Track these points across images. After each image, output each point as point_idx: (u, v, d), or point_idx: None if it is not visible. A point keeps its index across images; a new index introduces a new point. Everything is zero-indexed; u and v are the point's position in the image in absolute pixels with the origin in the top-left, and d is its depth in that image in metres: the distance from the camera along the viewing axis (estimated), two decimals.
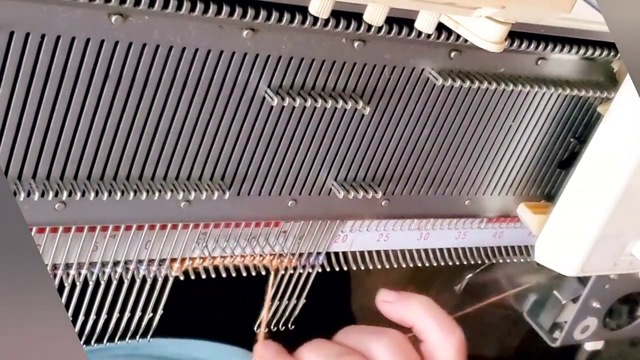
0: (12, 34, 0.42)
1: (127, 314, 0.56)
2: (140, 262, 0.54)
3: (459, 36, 0.49)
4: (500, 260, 0.68)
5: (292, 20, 0.46)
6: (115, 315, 0.55)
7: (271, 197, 0.54)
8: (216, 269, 0.57)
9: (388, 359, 0.54)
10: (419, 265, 0.64)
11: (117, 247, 0.53)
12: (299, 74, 0.50)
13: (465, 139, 0.58)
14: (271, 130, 0.52)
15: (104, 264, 0.53)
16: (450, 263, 0.65)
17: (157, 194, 0.50)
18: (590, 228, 0.57)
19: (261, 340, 0.56)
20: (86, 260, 0.52)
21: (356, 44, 0.50)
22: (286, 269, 0.59)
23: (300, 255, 0.59)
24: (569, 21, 0.53)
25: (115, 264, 0.53)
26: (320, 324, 0.58)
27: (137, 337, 0.57)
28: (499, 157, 0.61)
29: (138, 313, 0.56)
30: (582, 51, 0.55)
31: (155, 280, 0.55)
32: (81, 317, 0.54)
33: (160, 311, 0.57)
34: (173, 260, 0.55)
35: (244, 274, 0.57)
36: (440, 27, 0.49)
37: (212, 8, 0.44)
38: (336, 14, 0.47)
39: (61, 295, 0.52)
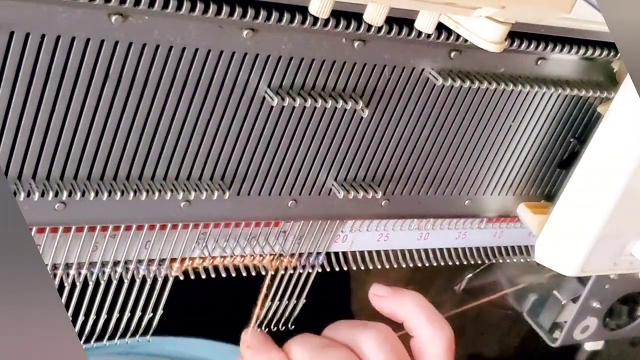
0: (12, 34, 0.42)
1: (127, 314, 0.56)
2: (140, 262, 0.54)
3: (459, 36, 0.49)
4: (500, 260, 0.68)
5: (292, 20, 0.46)
6: (115, 315, 0.55)
7: (271, 197, 0.54)
8: (216, 269, 0.57)
9: (375, 351, 0.54)
10: (419, 265, 0.64)
11: (117, 247, 0.53)
12: (299, 74, 0.50)
13: (465, 139, 0.58)
14: (271, 130, 0.52)
15: (104, 264, 0.53)
16: (450, 263, 0.65)
17: (157, 194, 0.50)
18: (590, 228, 0.57)
19: (249, 329, 0.56)
20: (86, 260, 0.52)
21: (356, 44, 0.50)
22: (286, 269, 0.59)
23: (300, 255, 0.59)
24: (569, 21, 0.53)
25: (115, 264, 0.53)
26: (320, 324, 0.58)
27: (137, 336, 0.57)
28: (499, 157, 0.61)
29: (138, 313, 0.56)
30: (582, 51, 0.55)
31: (155, 280, 0.55)
32: (81, 317, 0.54)
33: (160, 311, 0.57)
34: (173, 260, 0.55)
35: (244, 274, 0.57)
36: (440, 27, 0.49)
37: (212, 8, 0.44)
38: (336, 14, 0.47)
39: (61, 295, 0.52)
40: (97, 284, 0.53)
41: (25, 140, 0.45)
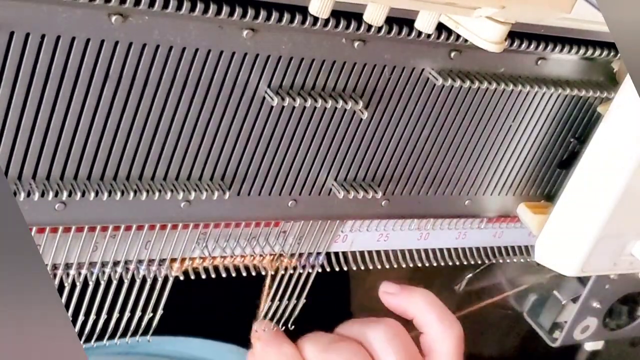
0: (12, 34, 0.42)
1: (127, 314, 0.56)
2: (140, 262, 0.54)
3: (459, 36, 0.49)
4: (500, 260, 0.68)
5: (292, 20, 0.46)
6: (115, 315, 0.55)
7: (271, 197, 0.54)
8: (216, 269, 0.57)
9: (384, 346, 0.55)
10: (419, 265, 0.64)
11: (117, 247, 0.53)
12: (299, 74, 0.50)
13: (465, 139, 0.58)
14: (271, 130, 0.52)
15: (104, 264, 0.53)
16: (450, 263, 0.65)
17: (157, 194, 0.50)
18: (590, 228, 0.57)
19: (259, 322, 0.56)
20: (86, 260, 0.52)
21: (356, 44, 0.50)
22: (286, 269, 0.59)
23: (300, 255, 0.59)
24: (569, 21, 0.53)
25: (115, 264, 0.53)
26: (320, 324, 0.58)
27: (137, 336, 0.57)
28: (499, 157, 0.61)
29: (138, 313, 0.56)
30: (582, 51, 0.55)
31: (155, 280, 0.55)
32: (81, 317, 0.54)
33: (160, 311, 0.57)
34: (173, 260, 0.55)
35: (244, 274, 0.57)
36: (440, 27, 0.49)
37: (212, 8, 0.44)
38: (336, 14, 0.47)
39: (61, 295, 0.52)
40: (97, 284, 0.53)
41: (25, 140, 0.45)
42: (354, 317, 0.83)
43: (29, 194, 0.47)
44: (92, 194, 0.48)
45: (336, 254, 0.61)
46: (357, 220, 0.60)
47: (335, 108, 0.52)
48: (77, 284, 0.53)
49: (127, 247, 0.53)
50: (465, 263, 0.66)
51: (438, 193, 0.60)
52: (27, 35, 0.42)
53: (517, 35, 0.53)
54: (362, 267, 0.62)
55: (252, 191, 0.54)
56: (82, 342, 0.55)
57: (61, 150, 0.47)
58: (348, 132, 0.54)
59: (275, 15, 0.45)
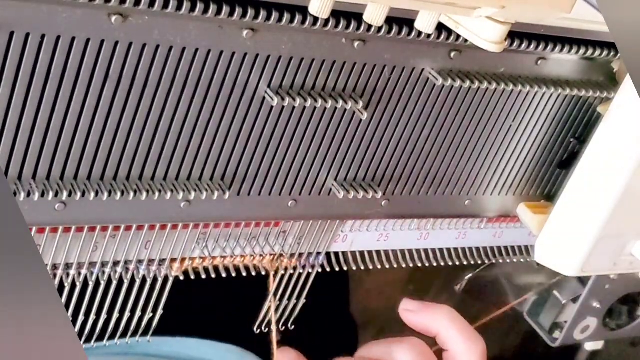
0: (12, 34, 0.42)
1: (127, 314, 0.56)
2: (140, 262, 0.54)
3: (459, 36, 0.49)
4: (500, 260, 0.68)
5: (292, 20, 0.46)
6: (115, 315, 0.55)
7: (271, 197, 0.54)
8: (216, 269, 0.57)
9: None
10: (419, 265, 0.64)
11: (117, 247, 0.53)
12: (299, 74, 0.50)
13: (465, 139, 0.58)
14: (271, 130, 0.52)
15: (104, 264, 0.53)
16: (450, 263, 0.65)
17: (157, 194, 0.50)
18: (590, 228, 0.57)
19: (280, 348, 0.56)
20: (86, 260, 0.52)
21: (356, 44, 0.50)
22: (286, 269, 0.59)
23: (300, 255, 0.59)
24: (569, 21, 0.53)
25: (115, 264, 0.53)
26: (320, 324, 0.58)
27: (137, 336, 0.57)
28: (499, 157, 0.61)
29: (138, 313, 0.56)
30: (582, 51, 0.55)
31: (155, 280, 0.55)
32: (81, 317, 0.54)
33: (160, 311, 0.57)
34: (173, 260, 0.55)
35: (244, 274, 0.57)
36: (440, 27, 0.49)
37: (212, 8, 0.44)
38: (336, 14, 0.47)
39: (61, 295, 0.52)
40: (97, 284, 0.53)
41: (25, 140, 0.45)
42: (353, 318, 0.84)
43: (29, 194, 0.47)
44: (92, 194, 0.48)
45: (336, 254, 0.61)
46: (357, 220, 0.60)
47: (335, 108, 0.52)
48: (77, 284, 0.53)
49: (127, 247, 0.53)
50: (465, 263, 0.66)
51: (438, 193, 0.60)
52: (27, 35, 0.42)
53: (517, 35, 0.53)
54: (362, 267, 0.62)
55: (252, 191, 0.54)
56: (82, 342, 0.55)
57: (61, 150, 0.47)
58: (348, 132, 0.54)
59: (275, 15, 0.45)
